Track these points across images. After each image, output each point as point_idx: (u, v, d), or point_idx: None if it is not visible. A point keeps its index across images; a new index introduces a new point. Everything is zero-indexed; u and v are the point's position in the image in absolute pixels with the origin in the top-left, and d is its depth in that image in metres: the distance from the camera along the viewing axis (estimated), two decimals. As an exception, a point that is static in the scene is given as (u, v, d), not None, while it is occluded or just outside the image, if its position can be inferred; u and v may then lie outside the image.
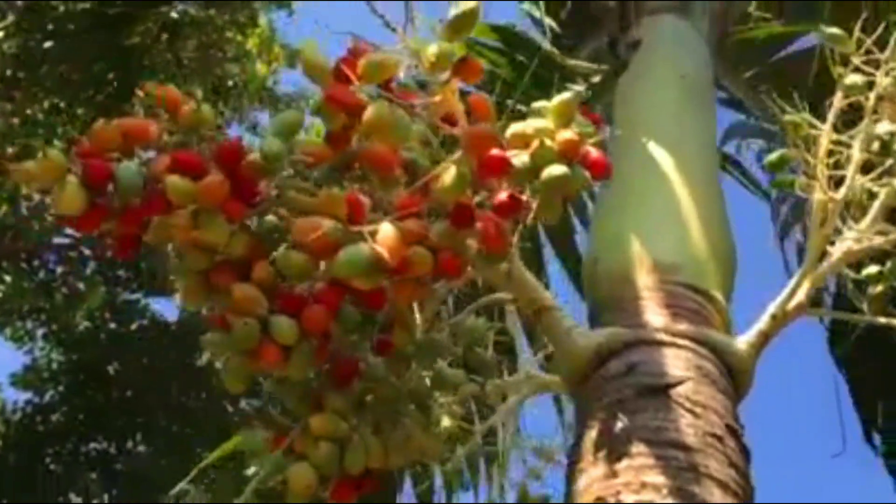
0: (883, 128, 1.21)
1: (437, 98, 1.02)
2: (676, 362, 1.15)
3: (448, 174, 0.96)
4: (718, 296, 1.33)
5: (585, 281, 1.42)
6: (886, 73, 1.27)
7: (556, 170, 0.95)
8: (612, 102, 1.93)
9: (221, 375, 1.06)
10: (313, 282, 1.07)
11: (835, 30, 1.33)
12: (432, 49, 0.96)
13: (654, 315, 1.22)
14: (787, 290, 1.27)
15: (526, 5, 2.67)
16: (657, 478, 1.02)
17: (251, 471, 1.08)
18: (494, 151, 0.94)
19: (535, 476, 1.51)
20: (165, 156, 1.01)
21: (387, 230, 0.95)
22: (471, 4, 0.97)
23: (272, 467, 1.05)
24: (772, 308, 1.27)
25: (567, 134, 0.97)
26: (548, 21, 2.36)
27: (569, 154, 0.97)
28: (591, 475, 1.06)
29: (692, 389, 1.11)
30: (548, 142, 0.96)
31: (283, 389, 1.09)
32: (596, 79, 2.26)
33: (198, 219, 1.01)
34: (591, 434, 1.11)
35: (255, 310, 1.03)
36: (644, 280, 1.29)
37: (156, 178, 1.00)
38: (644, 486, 1.02)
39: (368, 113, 0.96)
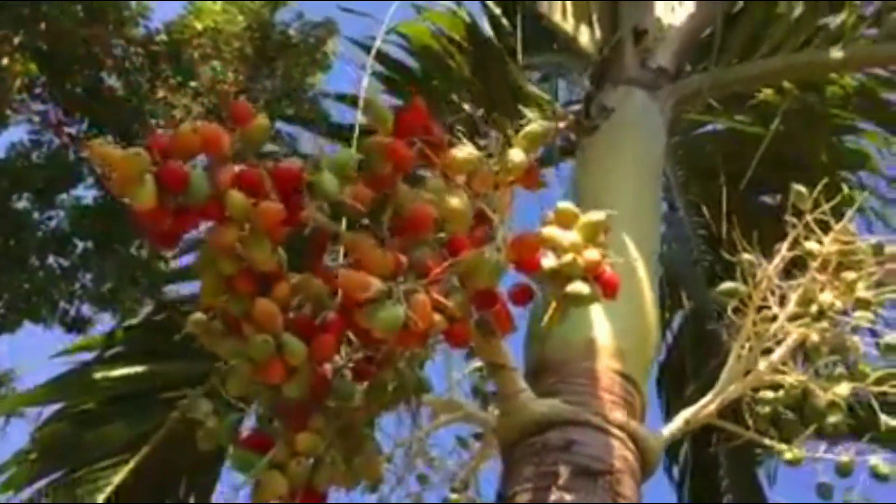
0: (826, 297, 1.41)
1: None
2: (609, 450, 1.31)
3: (487, 262, 1.07)
4: (643, 387, 1.50)
5: (533, 338, 1.56)
6: (832, 241, 1.47)
7: (582, 288, 1.08)
8: (576, 159, 2.08)
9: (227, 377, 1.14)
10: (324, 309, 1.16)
11: (800, 188, 1.51)
12: (517, 157, 1.07)
13: (595, 399, 1.39)
14: (702, 402, 1.47)
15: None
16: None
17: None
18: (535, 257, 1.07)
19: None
20: (231, 168, 1.07)
21: (421, 299, 1.05)
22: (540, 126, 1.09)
23: (243, 464, 1.14)
24: (686, 414, 1.47)
25: (594, 255, 1.11)
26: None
27: (591, 272, 1.10)
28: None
29: (617, 479, 1.28)
30: (577, 258, 1.10)
31: (266, 398, 1.18)
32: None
33: (246, 235, 1.08)
34: (523, 496, 1.26)
35: (273, 326, 1.11)
36: (590, 361, 1.45)
37: (218, 187, 1.06)
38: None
39: (452, 203, 1.06)
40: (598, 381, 1.42)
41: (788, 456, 1.41)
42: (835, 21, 2.13)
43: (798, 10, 2.18)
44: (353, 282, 1.05)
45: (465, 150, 1.09)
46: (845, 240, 1.45)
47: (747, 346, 1.46)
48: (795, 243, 1.47)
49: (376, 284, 1.04)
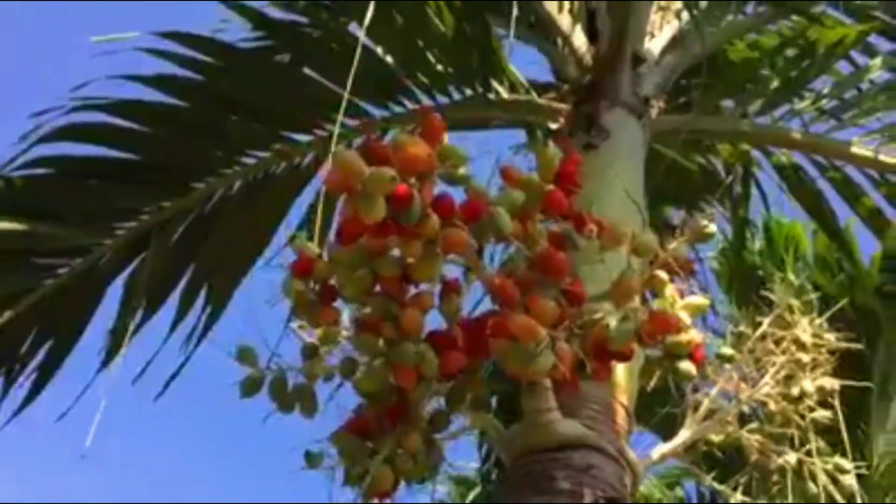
0: (807, 385, 1.67)
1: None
2: (619, 478, 1.51)
3: (622, 325, 1.20)
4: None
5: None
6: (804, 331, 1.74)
7: (690, 368, 1.25)
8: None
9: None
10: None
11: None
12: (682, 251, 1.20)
13: (607, 427, 1.57)
14: (676, 440, 1.70)
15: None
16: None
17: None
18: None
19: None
20: (430, 190, 1.12)
21: (566, 349, 1.17)
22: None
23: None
24: (662, 448, 1.70)
25: (698, 338, 1.28)
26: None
27: (694, 353, 1.27)
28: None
29: (620, 504, 1.49)
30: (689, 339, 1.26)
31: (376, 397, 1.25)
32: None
33: (424, 253, 1.14)
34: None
35: (417, 335, 1.18)
36: (601, 389, 1.63)
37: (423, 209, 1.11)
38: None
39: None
40: (610, 409, 1.60)
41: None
42: (798, 104, 2.40)
43: (775, 82, 2.42)
44: (524, 328, 1.15)
45: (650, 237, 1.21)
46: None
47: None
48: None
49: (543, 335, 1.15)
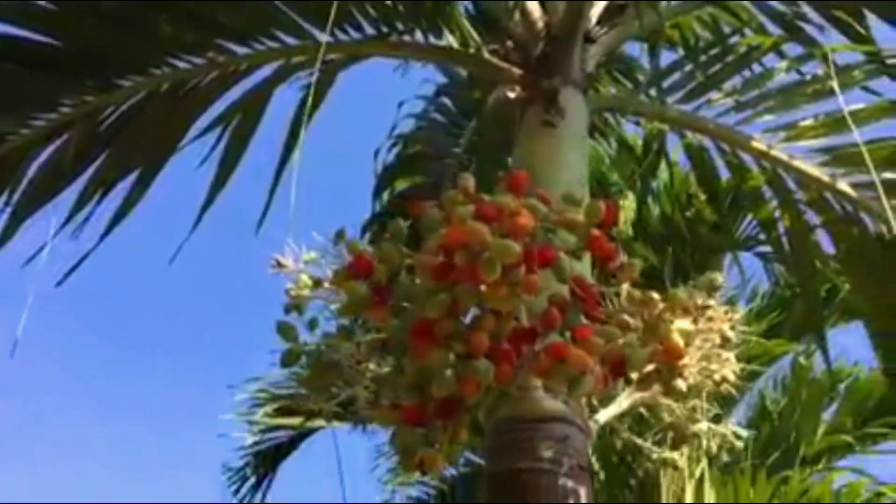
0: (726, 371, 2.04)
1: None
2: (585, 447, 1.83)
3: (641, 352, 1.48)
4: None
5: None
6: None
7: (681, 385, 1.56)
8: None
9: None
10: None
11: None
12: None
13: (577, 403, 1.87)
14: (617, 406, 2.04)
15: None
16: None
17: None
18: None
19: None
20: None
21: (598, 371, 1.44)
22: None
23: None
24: (606, 413, 2.03)
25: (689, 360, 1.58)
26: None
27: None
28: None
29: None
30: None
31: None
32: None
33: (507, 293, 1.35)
34: (544, 475, 1.73)
35: (481, 353, 1.40)
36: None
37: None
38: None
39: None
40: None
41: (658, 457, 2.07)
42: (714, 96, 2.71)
43: (699, 77, 2.71)
44: (578, 358, 1.40)
45: (687, 293, 1.47)
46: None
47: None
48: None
49: (591, 365, 1.41)
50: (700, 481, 4.98)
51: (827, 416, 5.35)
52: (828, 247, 2.87)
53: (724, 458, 3.75)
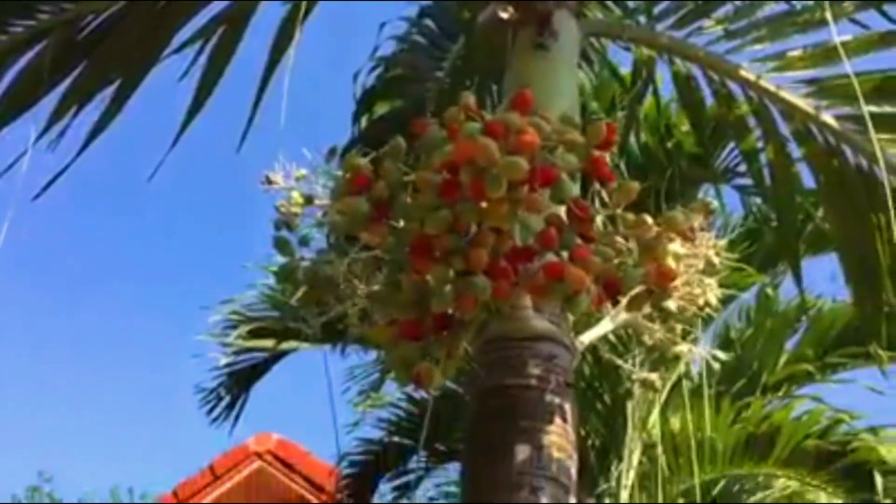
0: (710, 296, 2.08)
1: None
2: (570, 365, 1.87)
3: (634, 273, 1.50)
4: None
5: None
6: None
7: (671, 305, 1.59)
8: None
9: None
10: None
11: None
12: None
13: (564, 321, 1.91)
14: (602, 328, 2.08)
15: None
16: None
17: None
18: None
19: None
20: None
21: (594, 290, 1.47)
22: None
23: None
24: (591, 334, 2.07)
25: (681, 282, 1.61)
26: None
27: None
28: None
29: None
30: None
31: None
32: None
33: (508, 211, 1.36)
34: (530, 391, 1.77)
35: (482, 269, 1.42)
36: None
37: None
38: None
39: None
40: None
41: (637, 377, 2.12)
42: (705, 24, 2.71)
43: (690, 5, 2.70)
44: (576, 277, 1.42)
45: (684, 215, 1.49)
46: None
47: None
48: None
49: (588, 285, 1.43)
50: (665, 407, 5.12)
51: (789, 346, 5.49)
52: (807, 181, 2.91)
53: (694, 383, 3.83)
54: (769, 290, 5.13)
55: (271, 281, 5.37)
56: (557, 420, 1.77)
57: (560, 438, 1.75)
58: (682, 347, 2.12)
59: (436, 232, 1.41)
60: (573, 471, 1.75)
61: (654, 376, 2.24)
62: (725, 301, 5.26)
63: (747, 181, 4.16)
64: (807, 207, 3.28)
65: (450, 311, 1.50)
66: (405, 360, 1.48)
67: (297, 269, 1.63)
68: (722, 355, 2.23)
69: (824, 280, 5.36)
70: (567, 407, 1.80)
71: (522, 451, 1.70)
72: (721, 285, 2.10)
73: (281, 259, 1.66)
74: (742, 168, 4.15)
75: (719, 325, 5.63)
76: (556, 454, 1.72)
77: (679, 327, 2.12)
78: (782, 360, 5.19)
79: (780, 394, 4.95)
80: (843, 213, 2.80)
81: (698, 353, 2.16)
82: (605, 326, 2.09)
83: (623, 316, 2.09)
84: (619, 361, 2.25)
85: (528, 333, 1.83)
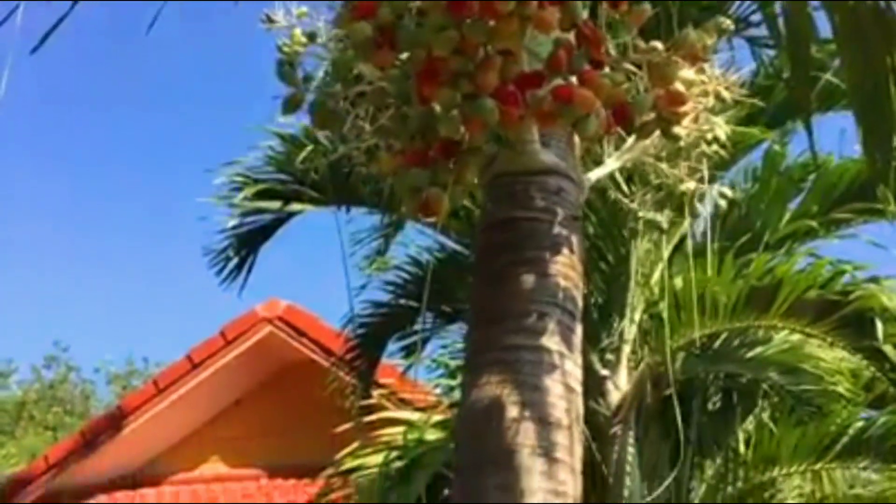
0: (718, 130, 2.05)
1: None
2: (578, 198, 1.88)
3: (644, 98, 1.48)
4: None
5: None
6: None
7: (680, 131, 1.58)
8: None
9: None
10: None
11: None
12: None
13: (570, 155, 1.90)
14: (609, 166, 2.07)
15: None
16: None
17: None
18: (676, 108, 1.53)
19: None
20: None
21: (604, 115, 1.45)
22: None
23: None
24: (598, 172, 2.07)
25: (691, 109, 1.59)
26: None
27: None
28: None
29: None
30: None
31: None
32: None
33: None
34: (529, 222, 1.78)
35: (488, 91, 1.40)
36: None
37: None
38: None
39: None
40: (571, 142, 1.93)
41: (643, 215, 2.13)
42: None
43: None
44: (585, 98, 1.40)
45: (696, 35, 1.46)
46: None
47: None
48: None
49: (598, 107, 1.42)
50: (668, 263, 5.17)
51: (794, 206, 5.49)
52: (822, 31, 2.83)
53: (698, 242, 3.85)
54: (777, 147, 5.10)
55: (275, 143, 5.35)
56: (564, 251, 1.79)
57: (566, 268, 1.78)
58: (690, 185, 2.12)
59: (443, 53, 1.40)
60: (579, 299, 1.78)
61: (659, 217, 2.25)
62: (732, 161, 5.25)
63: (759, 32, 4.06)
64: (820, 58, 3.21)
65: (457, 138, 1.50)
66: (413, 188, 1.49)
67: (302, 100, 1.62)
68: (729, 192, 2.23)
69: (832, 139, 5.30)
70: (574, 239, 1.82)
71: (528, 280, 1.73)
72: (730, 141, 2.09)
73: (285, 91, 1.65)
74: (755, 17, 4.05)
75: (726, 184, 5.62)
76: (562, 283, 1.74)
77: (686, 165, 2.12)
78: (786, 217, 5.20)
79: (783, 251, 4.98)
80: (858, 59, 2.74)
81: (705, 191, 2.16)
82: (611, 164, 2.08)
83: (630, 154, 2.08)
84: (625, 201, 2.25)
85: (536, 167, 1.82)
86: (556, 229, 1.80)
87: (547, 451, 1.55)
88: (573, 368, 1.68)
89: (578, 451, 1.61)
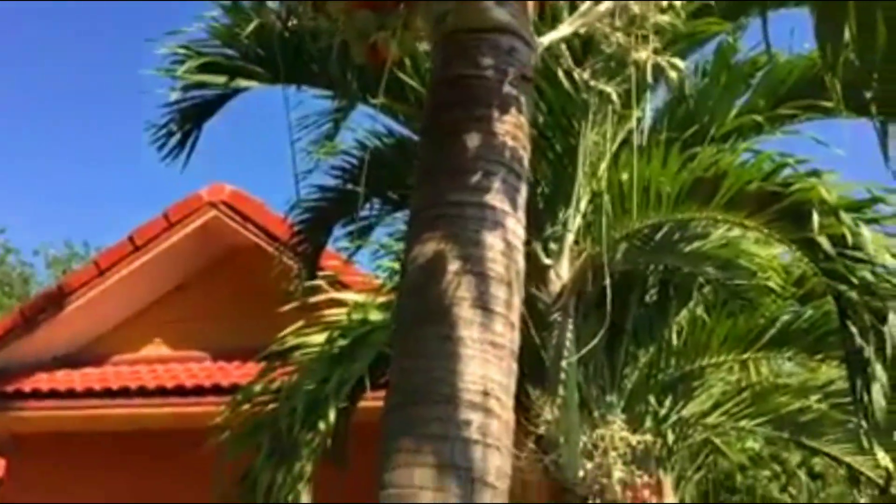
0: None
1: None
2: (529, 58, 1.86)
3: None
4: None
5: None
6: None
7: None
8: None
9: None
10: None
11: None
12: None
13: (524, 17, 1.87)
14: (560, 31, 2.05)
15: None
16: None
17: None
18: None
19: None
20: None
21: None
22: None
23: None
24: (551, 36, 2.04)
25: None
26: None
27: None
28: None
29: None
30: None
31: None
32: None
33: None
34: (481, 79, 1.76)
35: None
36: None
37: None
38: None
39: None
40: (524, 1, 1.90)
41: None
42: None
43: None
44: None
45: None
46: None
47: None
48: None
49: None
50: (615, 157, 5.20)
51: (741, 102, 5.52)
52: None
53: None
54: (730, 39, 5.09)
55: (219, 14, 5.17)
56: (513, 111, 1.78)
57: (515, 128, 1.77)
58: (641, 54, 2.11)
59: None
60: (526, 160, 1.78)
61: (609, 88, 2.24)
62: (683, 55, 5.23)
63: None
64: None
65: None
66: (362, 32, 1.46)
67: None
68: (680, 63, 2.23)
69: (783, 38, 5.31)
70: (523, 100, 1.81)
71: (475, 138, 1.72)
72: (679, 35, 2.08)
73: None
74: None
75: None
76: (510, 142, 1.74)
77: (638, 34, 2.10)
78: (733, 112, 5.23)
79: (729, 145, 5.03)
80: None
81: (659, 61, 2.15)
82: (565, 29, 2.06)
83: (584, 19, 2.06)
84: (577, 71, 2.23)
85: (487, 24, 1.80)
86: (506, 88, 1.78)
87: (486, 304, 1.57)
88: (515, 226, 1.69)
89: (517, 304, 1.64)
